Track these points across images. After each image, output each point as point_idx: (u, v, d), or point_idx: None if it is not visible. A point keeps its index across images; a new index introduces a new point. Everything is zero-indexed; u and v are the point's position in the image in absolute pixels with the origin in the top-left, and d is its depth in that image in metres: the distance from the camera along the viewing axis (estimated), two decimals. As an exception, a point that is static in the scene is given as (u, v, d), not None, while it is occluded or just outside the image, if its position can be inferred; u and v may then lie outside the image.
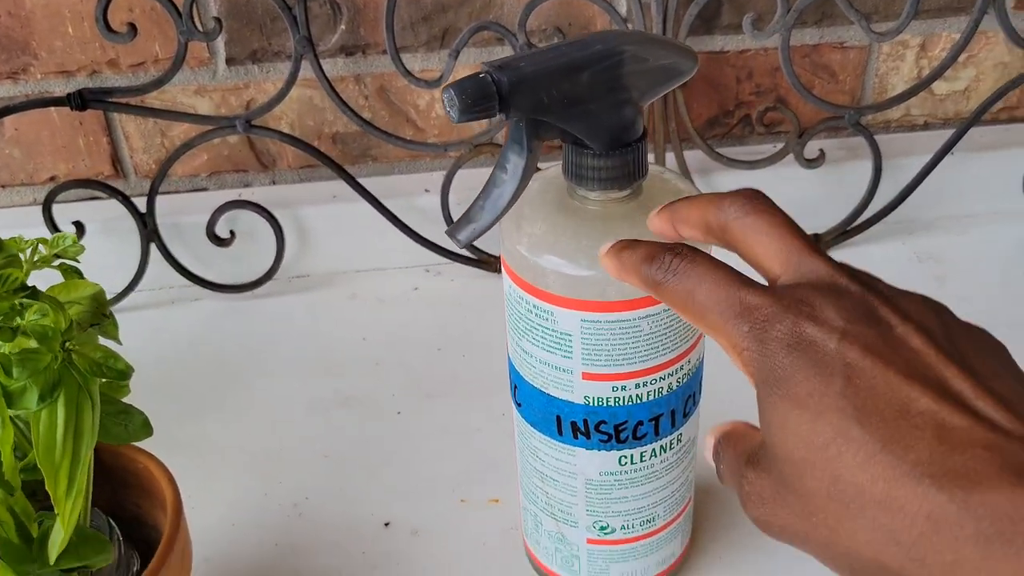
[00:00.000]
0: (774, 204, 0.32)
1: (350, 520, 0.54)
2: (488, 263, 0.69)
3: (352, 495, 0.56)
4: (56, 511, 0.35)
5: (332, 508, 0.55)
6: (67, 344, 0.34)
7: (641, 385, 0.41)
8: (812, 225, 0.71)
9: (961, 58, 0.70)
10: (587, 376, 0.40)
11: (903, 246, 0.71)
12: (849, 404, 0.26)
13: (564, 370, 0.41)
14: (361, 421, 0.60)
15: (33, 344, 0.34)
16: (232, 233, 0.68)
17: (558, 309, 0.39)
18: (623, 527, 0.46)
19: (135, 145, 0.70)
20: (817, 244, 0.32)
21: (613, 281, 0.38)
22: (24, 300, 0.34)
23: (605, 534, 0.46)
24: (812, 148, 0.69)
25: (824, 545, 0.27)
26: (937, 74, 0.65)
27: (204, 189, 0.73)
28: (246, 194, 0.69)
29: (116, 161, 0.71)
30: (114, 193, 0.66)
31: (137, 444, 0.45)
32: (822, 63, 0.70)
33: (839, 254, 0.70)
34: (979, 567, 0.23)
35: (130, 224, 0.67)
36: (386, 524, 0.54)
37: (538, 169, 0.38)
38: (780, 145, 0.69)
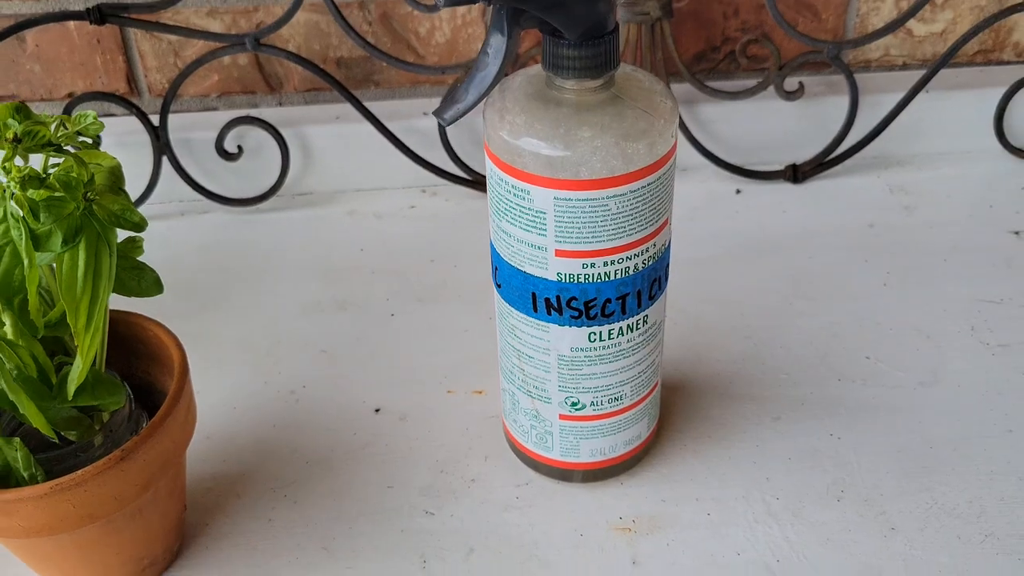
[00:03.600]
0: None
1: (343, 406, 0.59)
2: (481, 184, 0.73)
3: (346, 385, 0.60)
4: (76, 343, 0.39)
5: (327, 396, 0.59)
6: (89, 195, 0.38)
7: (609, 263, 0.45)
8: (791, 156, 0.74)
9: (939, 1, 0.74)
10: (560, 253, 0.44)
11: (877, 179, 0.74)
12: None
13: (539, 247, 0.44)
14: (356, 322, 0.64)
15: (59, 193, 0.37)
16: (240, 148, 0.72)
17: (535, 188, 0.43)
18: (592, 403, 0.49)
19: (149, 64, 0.74)
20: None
21: (585, 161, 0.42)
22: (51, 152, 0.38)
23: (576, 410, 0.50)
24: (792, 83, 0.72)
25: None
26: (911, 13, 0.69)
27: (214, 109, 0.76)
28: (254, 114, 0.73)
29: (131, 79, 0.75)
30: (130, 107, 0.70)
31: (147, 317, 0.49)
32: (806, 2, 0.73)
33: (816, 185, 0.74)
34: None
35: (144, 139, 0.71)
36: (376, 410, 0.58)
37: (519, 66, 0.42)
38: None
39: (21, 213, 0.37)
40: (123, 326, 0.49)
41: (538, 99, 0.44)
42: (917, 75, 0.73)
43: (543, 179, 0.42)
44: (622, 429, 0.51)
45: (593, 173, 0.42)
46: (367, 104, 0.71)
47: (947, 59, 0.71)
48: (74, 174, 0.37)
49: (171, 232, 0.72)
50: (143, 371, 0.50)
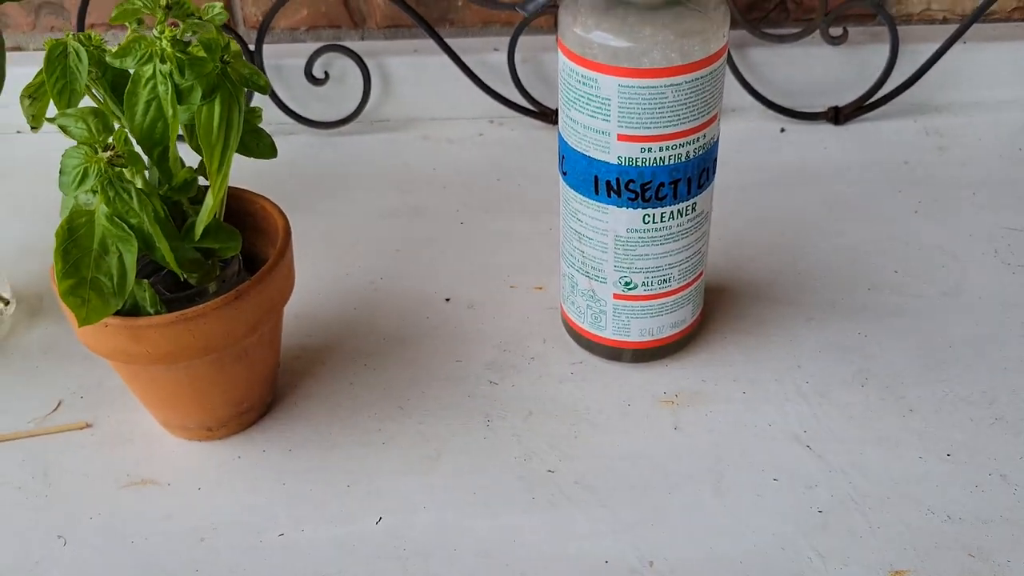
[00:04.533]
0: None
1: (417, 294, 0.65)
2: (546, 115, 0.79)
3: (419, 277, 0.66)
4: (209, 182, 0.46)
5: (402, 285, 0.66)
6: (225, 57, 0.45)
7: (664, 148, 0.51)
8: (834, 99, 0.80)
9: (979, -41, 0.79)
10: (621, 137, 0.50)
11: (914, 123, 0.79)
12: None
13: (603, 132, 0.51)
14: (429, 226, 0.71)
15: (201, 53, 0.44)
16: (326, 74, 0.79)
17: (601, 76, 0.49)
18: (643, 283, 0.56)
19: (247, -2, 0.81)
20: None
21: (647, 52, 0.48)
22: (194, 23, 0.45)
23: (628, 289, 0.56)
24: (837, 30, 0.78)
25: None
26: (952, -36, 0.74)
27: (303, 42, 0.83)
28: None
29: (230, 11, 0.82)
30: (229, 31, 0.77)
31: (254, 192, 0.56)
32: (853, -44, 0.79)
33: (856, 127, 0.79)
34: None
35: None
36: (447, 299, 0.65)
37: (592, -39, 0.48)
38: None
39: (169, 69, 0.44)
40: (234, 200, 0.56)
41: (607, 0, 0.50)
42: (955, 28, 0.78)
43: (609, 67, 0.49)
44: (669, 311, 0.57)
45: (653, 63, 0.48)
46: (443, 39, 0.78)
47: (981, 12, 0.76)
48: (214, 38, 0.44)
49: (260, 150, 0.79)
50: (250, 243, 0.56)
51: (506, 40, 0.78)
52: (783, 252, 0.67)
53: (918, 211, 0.71)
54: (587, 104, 0.50)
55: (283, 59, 0.80)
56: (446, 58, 0.78)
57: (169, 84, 0.44)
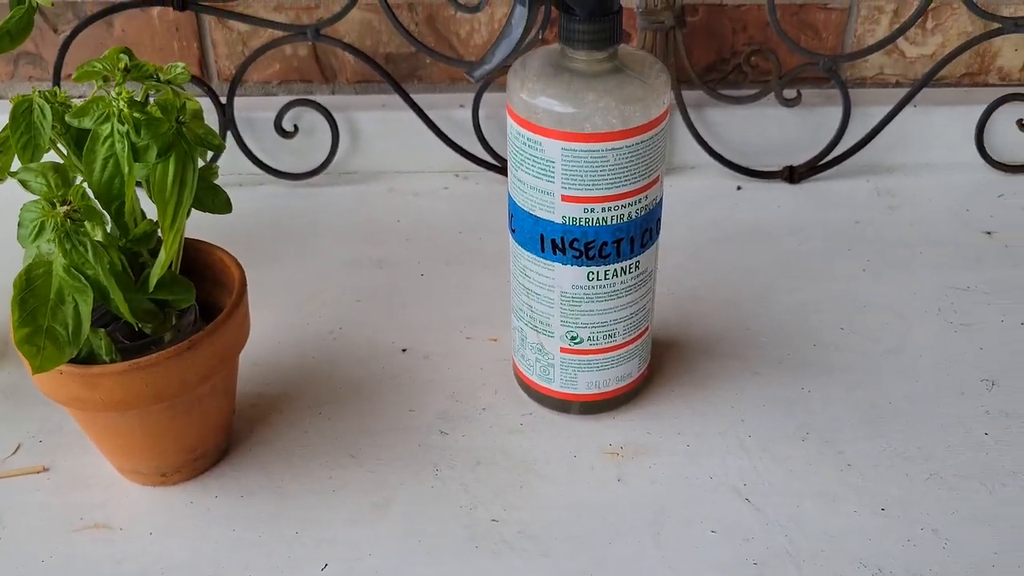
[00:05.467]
0: None
1: (375, 345, 0.67)
2: (508, 170, 0.81)
3: (378, 328, 0.68)
4: (162, 237, 0.48)
5: (360, 336, 0.67)
6: (180, 118, 0.47)
7: (607, 209, 0.53)
8: (788, 159, 0.82)
9: (930, 26, 0.82)
10: (565, 198, 0.52)
11: (866, 183, 0.82)
12: None
13: (547, 193, 0.53)
14: (390, 278, 0.73)
15: (157, 114, 0.46)
16: (296, 127, 0.81)
17: (546, 140, 0.51)
18: (589, 338, 0.57)
19: (220, 52, 0.84)
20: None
21: (589, 117, 0.50)
22: (152, 84, 0.47)
23: (575, 344, 0.58)
24: (791, 92, 0.80)
25: None
26: (899, 33, 0.77)
27: (275, 95, 0.86)
28: (310, 98, 0.82)
29: (203, 65, 0.84)
30: (202, 85, 0.79)
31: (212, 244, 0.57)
32: (808, 22, 0.82)
33: (810, 186, 0.82)
34: None
35: (212, 117, 0.80)
36: (403, 350, 0.66)
37: (542, 43, 0.50)
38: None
39: (126, 129, 0.46)
40: (193, 251, 0.57)
41: (553, 67, 0.52)
42: (906, 91, 0.80)
43: (553, 132, 0.51)
44: (615, 365, 0.59)
45: (595, 128, 0.50)
46: (410, 95, 0.80)
47: (932, 75, 0.79)
48: (171, 100, 0.46)
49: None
50: (206, 293, 0.58)
51: (471, 97, 0.81)
52: (734, 309, 0.69)
53: (866, 269, 0.73)
54: (533, 165, 0.52)
55: (254, 111, 0.82)
56: (413, 114, 0.81)
57: (126, 143, 0.46)
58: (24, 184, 0.48)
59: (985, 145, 0.82)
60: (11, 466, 0.58)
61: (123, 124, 0.46)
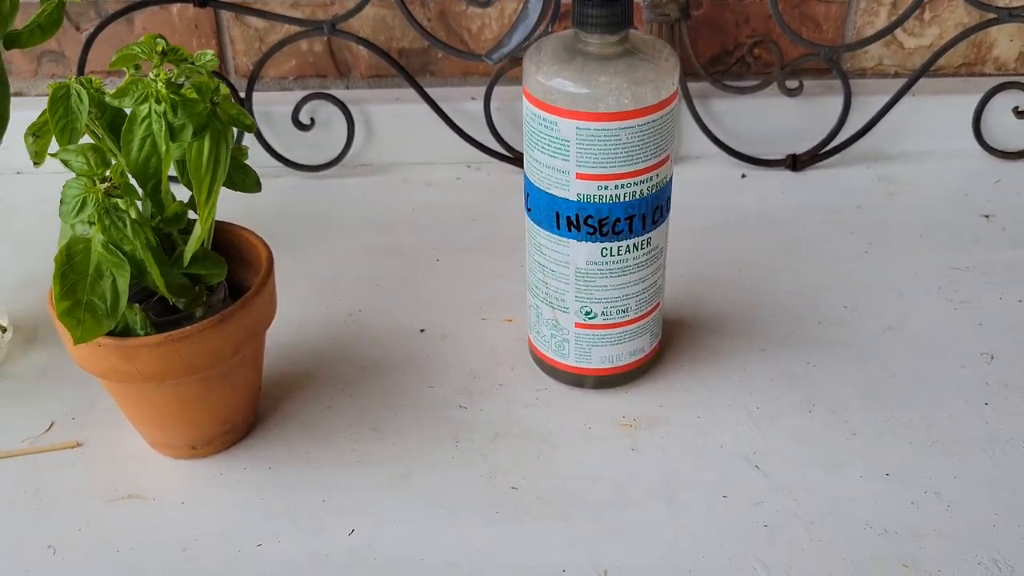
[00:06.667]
0: None
1: (393, 326, 0.69)
2: (520, 160, 0.84)
3: (395, 310, 0.70)
4: (197, 212, 0.50)
5: (379, 318, 0.70)
6: (215, 99, 0.49)
7: (620, 187, 0.55)
8: (791, 147, 0.85)
9: (927, 17, 0.84)
10: (579, 176, 0.55)
11: (867, 170, 0.84)
12: None
13: (562, 171, 0.55)
14: (406, 263, 0.75)
15: (193, 95, 0.48)
16: (312, 121, 0.83)
17: (561, 119, 0.53)
18: (603, 313, 0.59)
19: (238, 48, 0.86)
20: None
21: (603, 98, 0.52)
22: (188, 67, 0.49)
23: (589, 319, 0.60)
24: (793, 82, 0.83)
25: None
26: (897, 24, 0.79)
27: (291, 90, 0.88)
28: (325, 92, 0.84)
29: (222, 61, 0.87)
30: (221, 79, 0.82)
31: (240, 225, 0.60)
32: (809, 14, 0.84)
33: (813, 173, 0.84)
34: None
35: (230, 110, 0.83)
36: (421, 330, 0.69)
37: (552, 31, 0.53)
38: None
39: (163, 109, 0.48)
40: (222, 232, 0.60)
41: (567, 51, 0.54)
42: (905, 81, 0.83)
43: (568, 111, 0.53)
44: (628, 340, 0.61)
45: (608, 108, 0.53)
46: (423, 89, 0.83)
47: (929, 65, 0.81)
48: (205, 81, 0.49)
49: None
50: (236, 272, 0.60)
51: (483, 90, 0.83)
52: (740, 289, 0.72)
53: (868, 252, 0.75)
54: (548, 145, 0.55)
55: (272, 106, 0.84)
56: (426, 106, 0.83)
57: (163, 122, 0.48)
58: (65, 163, 0.50)
59: (982, 132, 0.84)
60: (46, 442, 0.61)
61: (160, 104, 0.48)
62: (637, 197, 0.56)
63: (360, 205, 0.82)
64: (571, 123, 0.53)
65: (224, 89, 0.53)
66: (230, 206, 0.59)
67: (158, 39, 0.50)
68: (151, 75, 0.49)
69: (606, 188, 0.55)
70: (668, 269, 0.68)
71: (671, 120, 0.55)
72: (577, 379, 0.63)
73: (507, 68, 0.82)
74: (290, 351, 0.67)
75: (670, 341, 0.67)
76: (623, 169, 0.54)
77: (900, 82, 0.83)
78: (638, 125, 0.53)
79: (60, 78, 0.88)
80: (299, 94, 0.84)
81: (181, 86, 0.49)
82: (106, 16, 0.81)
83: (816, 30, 0.85)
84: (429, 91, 0.83)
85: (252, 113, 0.83)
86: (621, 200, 0.55)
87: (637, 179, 0.55)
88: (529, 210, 0.59)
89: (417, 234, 0.78)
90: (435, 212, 0.81)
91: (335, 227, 0.79)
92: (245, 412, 0.59)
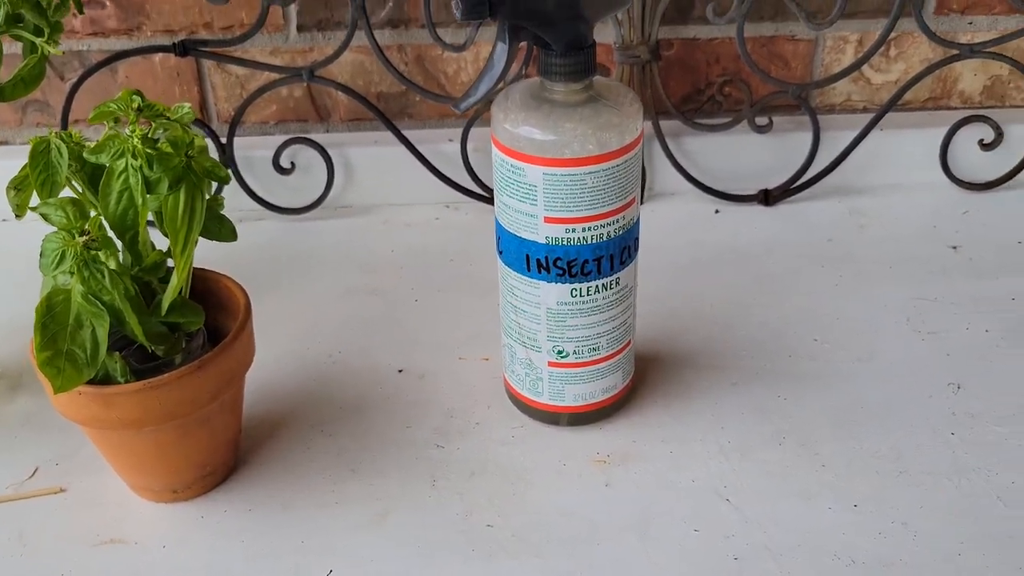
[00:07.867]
0: None
1: (371, 366, 0.70)
2: (496, 200, 0.85)
3: (374, 351, 0.71)
4: (174, 263, 0.51)
5: (358, 359, 0.71)
6: (189, 152, 0.51)
7: (587, 229, 0.56)
8: (763, 183, 0.86)
9: (892, 54, 0.86)
10: (548, 220, 0.56)
11: (838, 203, 0.86)
12: None
13: (531, 215, 0.56)
14: (385, 304, 0.76)
15: (168, 149, 0.50)
16: (293, 165, 0.85)
17: (528, 165, 0.55)
18: (575, 352, 0.61)
19: (220, 95, 0.88)
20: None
21: (568, 144, 0.54)
22: (163, 121, 0.51)
23: (561, 358, 0.61)
24: (763, 119, 0.85)
25: None
26: (863, 61, 0.81)
27: (272, 134, 0.90)
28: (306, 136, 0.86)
29: (203, 108, 0.88)
30: (203, 126, 0.83)
31: (218, 272, 0.61)
32: (777, 52, 0.86)
33: (785, 207, 0.86)
34: None
35: (213, 156, 0.84)
36: (399, 370, 0.70)
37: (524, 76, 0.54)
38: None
39: (139, 163, 0.49)
40: (200, 280, 0.61)
41: (534, 99, 0.56)
42: (873, 116, 0.85)
43: (535, 158, 0.55)
44: (600, 377, 0.62)
45: (574, 154, 0.54)
46: (401, 131, 0.84)
47: (895, 100, 0.83)
48: (180, 136, 0.50)
49: (231, 235, 0.85)
50: (214, 319, 0.61)
51: (459, 132, 0.85)
52: (713, 324, 0.73)
53: (839, 284, 0.77)
54: (517, 190, 0.56)
55: (253, 150, 0.86)
56: (404, 149, 0.85)
57: (139, 176, 0.50)
58: (45, 217, 0.51)
59: (949, 165, 0.86)
60: (30, 488, 0.62)
61: (136, 159, 0.50)
62: (604, 239, 0.57)
63: (341, 247, 0.84)
64: (538, 169, 0.55)
65: (200, 142, 0.54)
66: (212, 250, 0.61)
67: (134, 95, 0.51)
68: (128, 130, 0.50)
69: (574, 231, 0.56)
70: (642, 305, 0.70)
71: (635, 163, 0.57)
72: (552, 417, 0.64)
73: (482, 111, 0.84)
74: (270, 394, 0.68)
75: (644, 376, 0.68)
76: (590, 212, 0.56)
77: (868, 117, 0.85)
78: (603, 170, 0.55)
79: (45, 127, 0.90)
80: (280, 138, 0.86)
81: (157, 140, 0.51)
82: (90, 66, 0.83)
83: (785, 68, 0.87)
84: (407, 133, 0.85)
85: (234, 158, 0.85)
86: (589, 242, 0.57)
87: (604, 221, 0.56)
88: (501, 252, 0.60)
89: (397, 274, 0.80)
90: (414, 252, 0.82)
91: (316, 269, 0.81)
92: (225, 456, 0.60)
